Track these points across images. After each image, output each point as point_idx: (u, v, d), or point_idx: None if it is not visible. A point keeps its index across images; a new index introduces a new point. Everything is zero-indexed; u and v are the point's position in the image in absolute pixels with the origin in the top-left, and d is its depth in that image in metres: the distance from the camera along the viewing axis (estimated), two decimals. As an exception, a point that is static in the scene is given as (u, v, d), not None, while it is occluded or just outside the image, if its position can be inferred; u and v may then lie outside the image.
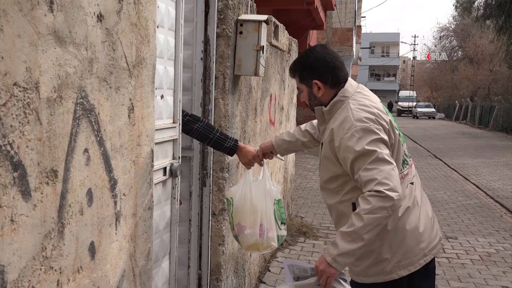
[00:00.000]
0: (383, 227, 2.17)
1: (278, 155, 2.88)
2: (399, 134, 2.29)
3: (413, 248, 2.24)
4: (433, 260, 2.36)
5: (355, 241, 2.03)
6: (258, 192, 2.67)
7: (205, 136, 2.72)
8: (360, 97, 2.26)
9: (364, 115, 2.16)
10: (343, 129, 2.16)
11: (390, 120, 2.24)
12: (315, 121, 2.72)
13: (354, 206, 2.22)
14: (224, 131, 3.17)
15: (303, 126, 2.76)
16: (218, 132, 2.76)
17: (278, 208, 2.72)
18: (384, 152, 2.09)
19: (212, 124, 3.11)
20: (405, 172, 2.28)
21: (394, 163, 2.09)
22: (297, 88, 2.43)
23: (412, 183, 2.32)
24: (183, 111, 2.68)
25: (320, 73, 2.27)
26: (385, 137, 2.14)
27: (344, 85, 2.29)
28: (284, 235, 2.79)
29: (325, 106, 2.29)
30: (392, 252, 2.23)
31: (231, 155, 2.87)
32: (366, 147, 2.08)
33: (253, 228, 2.63)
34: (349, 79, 2.33)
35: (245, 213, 2.65)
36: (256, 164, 2.86)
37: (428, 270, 2.34)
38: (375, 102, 2.28)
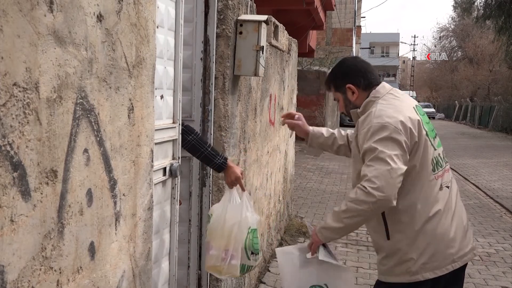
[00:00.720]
0: (411, 226, 2.22)
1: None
2: (432, 136, 2.30)
3: (442, 252, 2.23)
4: (462, 269, 2.33)
5: (337, 221, 2.24)
6: (233, 217, 2.64)
7: (197, 149, 2.73)
8: (391, 97, 2.32)
9: (385, 113, 2.21)
10: (363, 124, 2.26)
11: (418, 121, 2.25)
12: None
13: None
14: (224, 131, 3.17)
15: (343, 131, 2.79)
16: (210, 147, 2.76)
17: (252, 237, 2.67)
18: (388, 152, 2.11)
19: (212, 124, 3.11)
20: (438, 174, 2.28)
21: (397, 165, 2.10)
22: (334, 99, 2.52)
23: (448, 187, 2.31)
24: None
25: (352, 77, 2.39)
26: (400, 137, 2.15)
27: (377, 87, 2.35)
28: (252, 266, 2.73)
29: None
30: (419, 253, 2.22)
31: (219, 172, 2.86)
32: (372, 144, 2.16)
33: (218, 250, 2.62)
34: (383, 83, 2.40)
35: (215, 234, 2.63)
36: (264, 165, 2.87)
37: (456, 278, 2.32)
38: (406, 102, 2.32)
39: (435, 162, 2.28)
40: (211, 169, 3.17)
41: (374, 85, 2.37)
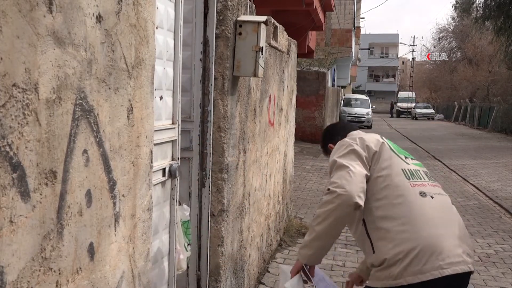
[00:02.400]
0: (390, 231, 2.20)
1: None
2: (402, 154, 2.44)
3: (424, 257, 2.17)
4: (459, 282, 2.28)
5: (310, 233, 2.31)
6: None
7: None
8: (356, 133, 2.53)
9: (347, 139, 2.43)
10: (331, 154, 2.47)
11: (378, 139, 2.43)
12: None
13: (364, 222, 2.31)
14: (223, 132, 3.17)
15: None
16: None
17: (185, 229, 2.78)
18: (346, 161, 2.28)
19: (211, 125, 3.11)
20: (416, 182, 2.31)
21: (355, 168, 2.25)
22: None
23: (432, 197, 2.29)
24: None
25: (331, 137, 2.66)
26: (357, 148, 2.33)
27: None
28: (189, 256, 2.86)
29: None
30: (401, 257, 2.18)
31: None
32: (334, 158, 2.34)
33: None
34: (352, 132, 2.59)
35: None
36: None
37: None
38: (372, 134, 2.51)
39: (408, 172, 2.34)
40: (210, 170, 3.18)
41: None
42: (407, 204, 2.21)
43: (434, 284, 2.18)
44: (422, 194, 2.27)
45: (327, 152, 2.69)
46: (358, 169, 2.26)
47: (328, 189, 2.23)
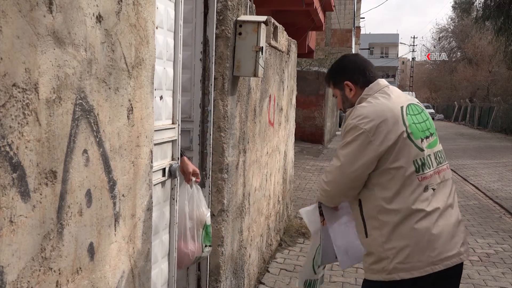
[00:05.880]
0: (387, 224, 2.21)
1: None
2: (421, 137, 2.24)
3: (418, 253, 2.18)
4: (452, 272, 2.25)
5: (319, 189, 2.51)
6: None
7: None
8: (381, 96, 2.29)
9: (362, 113, 2.22)
10: (345, 120, 2.34)
11: (398, 123, 2.20)
12: None
13: (360, 203, 2.29)
14: (223, 132, 3.18)
15: None
16: None
17: (206, 233, 2.76)
18: (346, 151, 2.24)
19: (211, 125, 3.11)
20: (425, 175, 2.22)
21: (349, 165, 2.22)
22: (333, 95, 2.57)
23: (433, 189, 2.24)
24: None
25: (350, 74, 2.40)
26: (367, 139, 2.17)
27: (372, 84, 2.35)
28: (203, 257, 2.86)
29: None
30: (394, 252, 2.19)
31: None
32: (341, 142, 2.30)
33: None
34: (379, 79, 2.38)
35: None
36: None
37: (442, 282, 2.26)
38: (394, 101, 2.27)
39: (419, 163, 2.21)
40: (210, 170, 3.17)
41: (371, 82, 2.35)
42: (408, 201, 2.18)
43: (426, 278, 2.20)
44: (427, 188, 2.21)
45: (338, 86, 2.45)
46: (351, 166, 2.23)
47: (322, 179, 2.41)
